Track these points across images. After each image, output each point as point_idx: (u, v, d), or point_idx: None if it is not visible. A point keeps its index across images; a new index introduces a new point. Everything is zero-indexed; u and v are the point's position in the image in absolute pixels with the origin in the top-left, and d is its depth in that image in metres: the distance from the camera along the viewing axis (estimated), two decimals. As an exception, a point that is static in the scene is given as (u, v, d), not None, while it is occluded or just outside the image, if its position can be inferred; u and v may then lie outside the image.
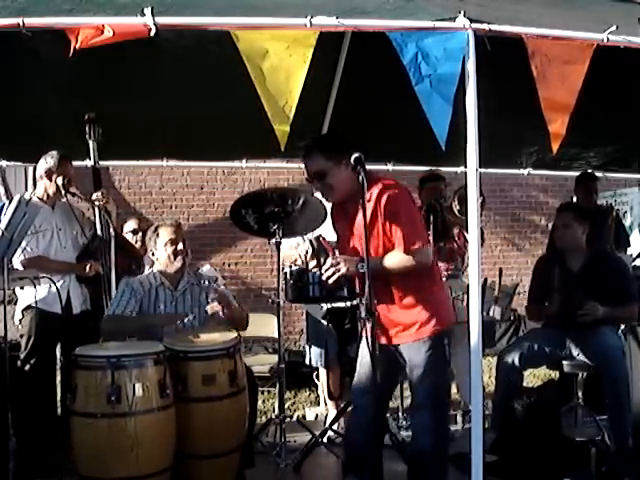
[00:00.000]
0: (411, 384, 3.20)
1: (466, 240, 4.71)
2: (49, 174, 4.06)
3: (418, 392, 3.18)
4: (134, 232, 4.80)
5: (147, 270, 4.01)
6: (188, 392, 3.14)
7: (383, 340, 3.12)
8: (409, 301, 3.11)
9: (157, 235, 3.68)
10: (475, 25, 2.82)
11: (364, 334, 3.08)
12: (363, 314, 2.86)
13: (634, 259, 5.61)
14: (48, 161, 4.07)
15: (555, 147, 2.97)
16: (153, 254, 3.73)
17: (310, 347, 4.64)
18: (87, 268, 4.04)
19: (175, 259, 3.65)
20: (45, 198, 4.09)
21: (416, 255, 3.00)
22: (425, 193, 4.97)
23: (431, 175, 5.06)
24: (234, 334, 3.38)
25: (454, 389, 5.30)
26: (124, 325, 3.51)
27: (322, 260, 2.85)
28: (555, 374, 4.40)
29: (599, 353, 3.90)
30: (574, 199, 5.63)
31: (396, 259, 3.03)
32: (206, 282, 3.72)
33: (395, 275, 3.07)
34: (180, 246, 3.65)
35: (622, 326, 4.12)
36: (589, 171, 5.59)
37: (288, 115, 2.77)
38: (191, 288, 3.71)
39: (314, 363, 4.61)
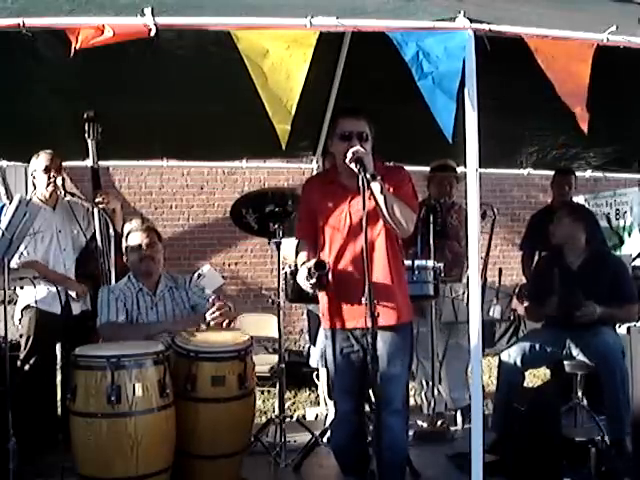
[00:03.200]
0: (381, 378, 2.84)
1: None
2: (45, 172, 4.04)
3: (392, 388, 2.98)
4: (134, 232, 4.80)
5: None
6: (196, 392, 3.14)
7: (352, 323, 2.98)
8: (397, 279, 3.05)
9: (127, 240, 3.73)
10: (475, 25, 2.82)
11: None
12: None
13: (634, 259, 5.60)
14: (40, 161, 4.06)
15: (584, 127, 2.84)
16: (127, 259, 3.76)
17: (314, 347, 4.62)
18: (79, 290, 4.03)
19: (141, 263, 3.66)
20: (45, 199, 4.08)
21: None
22: (434, 183, 4.94)
23: (439, 166, 4.97)
24: (246, 336, 3.37)
25: (442, 390, 5.24)
26: (123, 334, 3.48)
27: None
28: (555, 374, 4.41)
29: (598, 352, 3.90)
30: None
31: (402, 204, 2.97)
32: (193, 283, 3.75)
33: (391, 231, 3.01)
34: (143, 252, 3.64)
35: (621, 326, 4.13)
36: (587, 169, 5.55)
37: (289, 112, 2.76)
38: (169, 292, 3.72)
39: (315, 364, 4.60)
